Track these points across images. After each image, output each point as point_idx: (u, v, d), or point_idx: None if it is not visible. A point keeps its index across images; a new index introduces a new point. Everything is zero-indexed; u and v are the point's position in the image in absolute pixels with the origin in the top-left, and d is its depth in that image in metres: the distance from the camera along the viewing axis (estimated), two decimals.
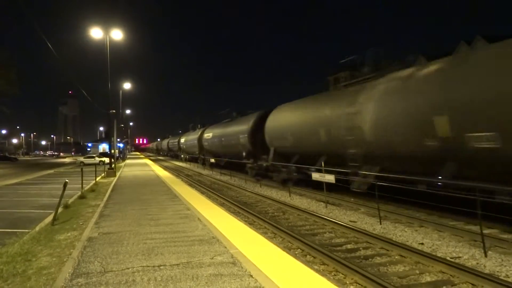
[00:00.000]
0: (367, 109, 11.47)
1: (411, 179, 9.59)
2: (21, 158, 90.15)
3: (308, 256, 7.19)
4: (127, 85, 40.76)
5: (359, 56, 13.21)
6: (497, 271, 6.06)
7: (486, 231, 7.59)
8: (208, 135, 33.40)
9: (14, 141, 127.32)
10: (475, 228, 8.14)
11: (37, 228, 8.94)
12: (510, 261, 6.46)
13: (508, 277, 5.77)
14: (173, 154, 66.54)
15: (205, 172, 30.45)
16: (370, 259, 6.96)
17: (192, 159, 44.41)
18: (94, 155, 47.96)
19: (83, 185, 16.27)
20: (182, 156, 52.17)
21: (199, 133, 38.11)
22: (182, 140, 51.27)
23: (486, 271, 6.01)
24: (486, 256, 6.76)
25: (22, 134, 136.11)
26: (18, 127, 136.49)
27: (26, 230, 8.77)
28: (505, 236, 7.90)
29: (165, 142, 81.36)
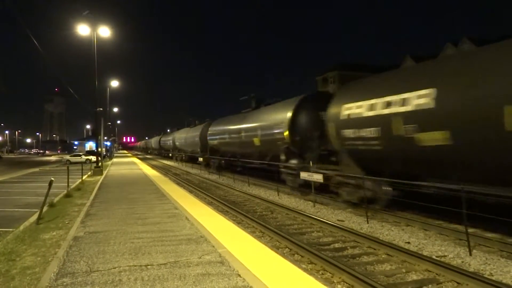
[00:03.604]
0: (237, 128, 21.67)
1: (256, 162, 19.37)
2: (6, 156, 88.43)
3: (296, 255, 7.21)
4: (114, 83, 40.25)
5: (252, 95, 23.12)
6: (482, 270, 6.16)
7: (470, 230, 7.71)
8: (178, 136, 44.53)
9: None
10: (460, 227, 8.26)
11: (22, 227, 8.77)
12: (494, 259, 6.58)
13: (492, 276, 5.86)
14: (158, 152, 71.00)
15: (193, 171, 30.31)
16: (357, 258, 7.01)
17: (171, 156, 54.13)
18: (80, 153, 47.35)
19: (69, 184, 16.03)
20: (170, 154, 56.33)
21: (173, 134, 49.09)
22: (162, 140, 63.22)
23: (471, 270, 6.11)
24: (471, 254, 6.87)
25: (7, 132, 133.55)
26: (2, 124, 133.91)
27: (10, 229, 8.61)
28: (489, 235, 8.04)
29: (151, 140, 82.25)
